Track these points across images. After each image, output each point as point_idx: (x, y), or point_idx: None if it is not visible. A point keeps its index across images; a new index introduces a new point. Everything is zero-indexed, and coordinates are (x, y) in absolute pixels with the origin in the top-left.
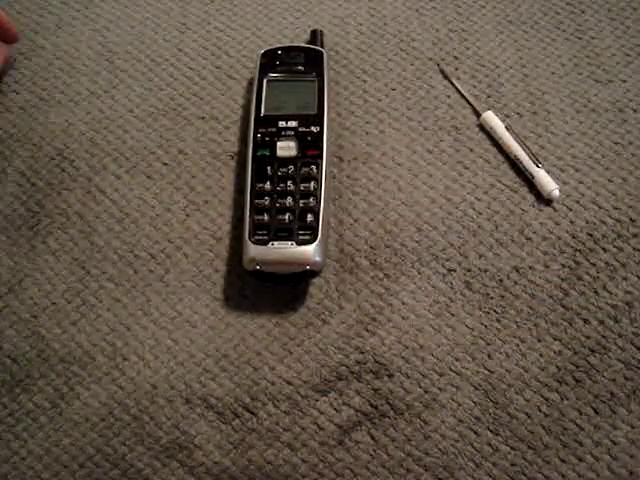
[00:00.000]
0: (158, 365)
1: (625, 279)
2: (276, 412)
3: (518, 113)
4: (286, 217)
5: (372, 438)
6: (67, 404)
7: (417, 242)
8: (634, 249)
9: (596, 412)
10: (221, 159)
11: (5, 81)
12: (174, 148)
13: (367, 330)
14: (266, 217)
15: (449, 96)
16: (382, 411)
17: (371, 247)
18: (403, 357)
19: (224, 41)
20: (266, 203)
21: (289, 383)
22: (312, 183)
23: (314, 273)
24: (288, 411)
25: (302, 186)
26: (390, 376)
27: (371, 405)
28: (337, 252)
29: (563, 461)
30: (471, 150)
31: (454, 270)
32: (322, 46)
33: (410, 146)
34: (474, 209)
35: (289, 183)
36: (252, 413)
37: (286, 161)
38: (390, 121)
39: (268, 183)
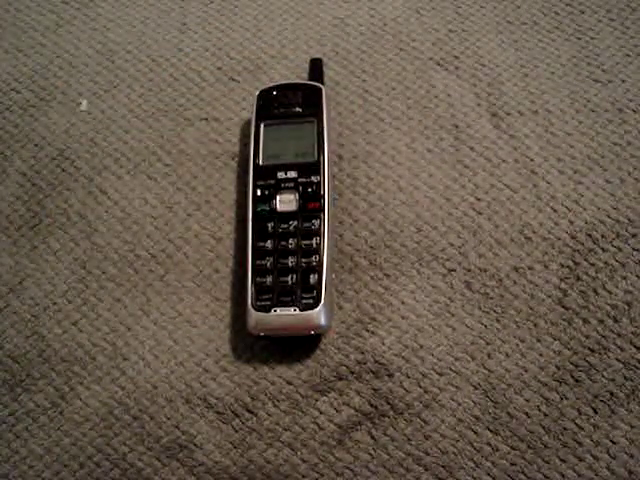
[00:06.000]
0: (158, 365)
1: (624, 279)
2: (276, 412)
3: (519, 112)
4: (288, 279)
5: (372, 438)
6: (68, 404)
7: (417, 242)
8: (633, 249)
9: (595, 412)
10: (222, 159)
11: (5, 80)
12: (175, 148)
13: (367, 330)
14: (268, 280)
15: (449, 95)
16: (382, 411)
17: (371, 247)
18: (403, 357)
19: (225, 42)
20: (268, 265)
21: (289, 383)
22: (314, 240)
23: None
24: (288, 411)
25: (303, 243)
26: (390, 376)
27: (371, 405)
28: (337, 252)
29: (563, 461)
30: (471, 149)
31: (454, 270)
32: (322, 76)
33: (410, 145)
34: (474, 209)
35: (290, 240)
36: (252, 413)
37: (286, 216)
38: (390, 120)
39: (269, 242)
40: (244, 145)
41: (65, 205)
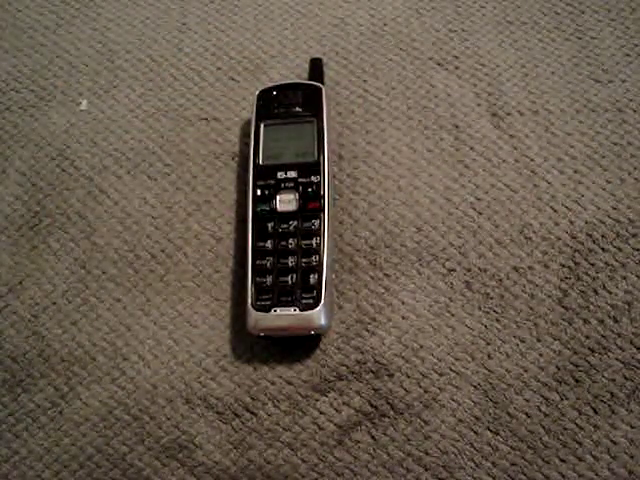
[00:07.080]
0: (158, 365)
1: (624, 279)
2: (276, 412)
3: (519, 112)
4: (288, 279)
5: (372, 438)
6: (67, 404)
7: (417, 242)
8: (633, 249)
9: (596, 412)
10: (222, 159)
11: (5, 80)
12: (175, 148)
13: (367, 330)
14: (268, 280)
15: (449, 95)
16: (382, 411)
17: (371, 247)
18: (403, 357)
19: (225, 42)
20: (268, 265)
21: (289, 383)
22: (314, 240)
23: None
24: (288, 411)
25: (303, 244)
26: (390, 376)
27: (371, 405)
28: (337, 252)
29: (563, 461)
30: (471, 149)
31: (454, 270)
32: (322, 76)
33: (410, 145)
34: (474, 209)
35: (290, 240)
36: (252, 413)
37: (287, 216)
38: (390, 120)
39: (269, 242)
40: (244, 145)
41: (65, 205)
